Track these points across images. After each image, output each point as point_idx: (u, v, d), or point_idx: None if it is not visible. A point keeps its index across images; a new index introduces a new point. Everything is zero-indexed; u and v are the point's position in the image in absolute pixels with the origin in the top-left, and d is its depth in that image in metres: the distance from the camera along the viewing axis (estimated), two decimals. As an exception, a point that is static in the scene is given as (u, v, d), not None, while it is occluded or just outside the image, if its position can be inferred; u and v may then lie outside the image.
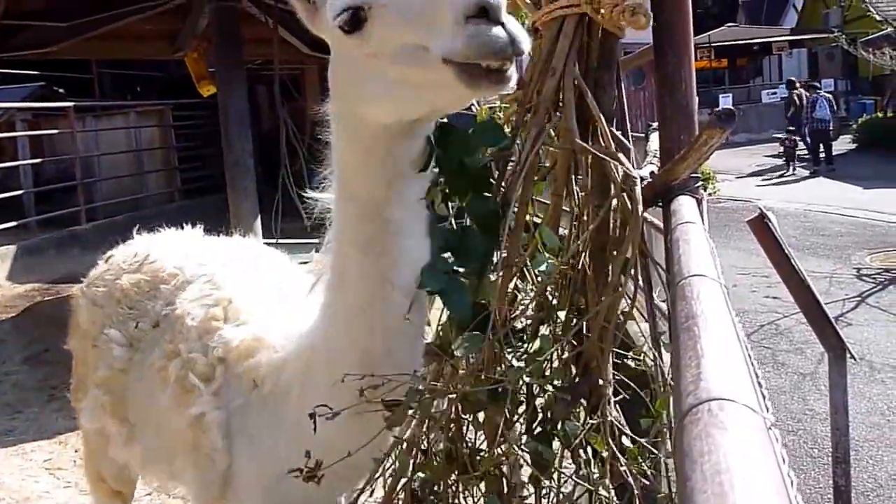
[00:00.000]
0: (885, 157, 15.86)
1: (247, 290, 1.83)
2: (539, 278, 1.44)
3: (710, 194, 12.87)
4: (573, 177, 1.51)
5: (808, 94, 16.93)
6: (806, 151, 17.14)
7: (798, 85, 18.02)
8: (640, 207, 1.28)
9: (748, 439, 0.54)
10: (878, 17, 16.67)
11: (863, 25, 18.89)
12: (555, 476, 1.39)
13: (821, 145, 16.19)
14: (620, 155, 1.35)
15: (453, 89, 1.14)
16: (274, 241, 6.31)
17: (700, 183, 1.66)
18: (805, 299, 3.05)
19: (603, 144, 1.42)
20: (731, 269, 7.70)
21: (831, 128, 16.34)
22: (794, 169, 15.72)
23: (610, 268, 1.45)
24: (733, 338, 0.77)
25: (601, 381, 1.38)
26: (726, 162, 16.12)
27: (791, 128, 16.63)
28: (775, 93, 22.07)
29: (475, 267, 1.37)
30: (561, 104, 1.48)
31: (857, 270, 7.78)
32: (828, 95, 16.93)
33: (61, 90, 12.96)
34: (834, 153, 17.45)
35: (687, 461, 0.52)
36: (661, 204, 1.67)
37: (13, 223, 8.74)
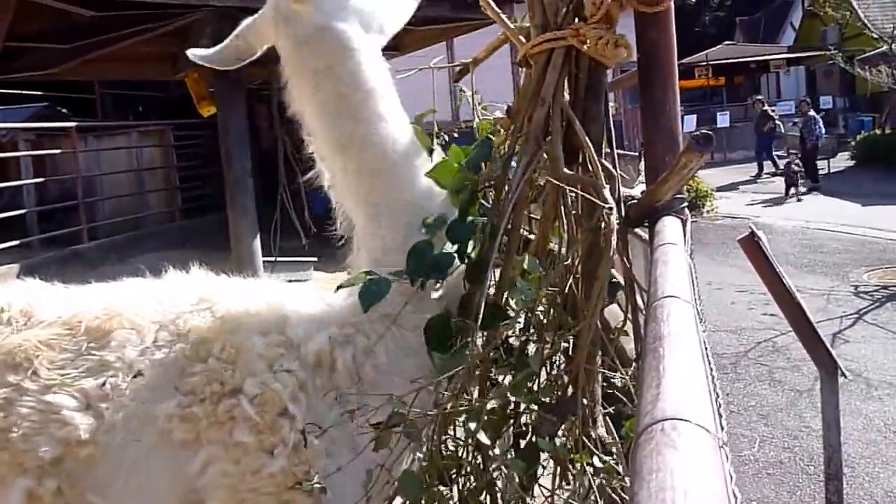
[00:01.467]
0: (884, 174, 15.89)
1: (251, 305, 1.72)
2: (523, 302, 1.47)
3: (707, 212, 12.93)
4: (561, 200, 1.56)
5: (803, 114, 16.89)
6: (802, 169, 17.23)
7: (805, 105, 17.84)
8: (613, 235, 1.31)
9: (697, 458, 0.56)
10: (874, 35, 16.79)
11: (860, 43, 19.03)
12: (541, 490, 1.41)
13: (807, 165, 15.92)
14: (602, 182, 1.40)
15: None
16: (272, 258, 6.39)
17: (685, 204, 1.66)
18: (796, 317, 3.08)
19: (591, 171, 1.47)
20: (729, 286, 7.72)
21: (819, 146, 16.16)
22: (797, 197, 14.65)
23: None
24: (697, 359, 0.78)
25: (586, 400, 1.40)
26: (726, 179, 16.19)
27: (781, 153, 16.24)
28: (773, 110, 22.17)
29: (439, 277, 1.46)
30: (550, 133, 1.53)
31: (855, 287, 7.77)
32: (817, 116, 16.84)
33: (64, 110, 13.07)
34: (832, 170, 17.55)
35: (637, 478, 0.54)
36: (647, 224, 1.70)
37: (16, 242, 8.80)
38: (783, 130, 17.57)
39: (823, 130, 16.49)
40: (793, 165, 14.71)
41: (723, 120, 21.30)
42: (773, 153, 18.32)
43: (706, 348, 0.90)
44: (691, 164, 1.37)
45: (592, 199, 1.39)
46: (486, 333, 1.46)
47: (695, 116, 20.50)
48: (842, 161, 18.27)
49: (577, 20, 1.53)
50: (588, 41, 1.47)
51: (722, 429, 0.70)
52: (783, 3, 24.38)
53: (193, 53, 1.86)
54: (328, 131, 1.72)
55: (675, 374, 0.71)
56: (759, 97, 20.49)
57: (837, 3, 16.81)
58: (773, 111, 18.82)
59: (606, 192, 1.38)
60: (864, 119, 21.36)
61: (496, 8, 1.72)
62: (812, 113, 16.85)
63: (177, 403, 1.56)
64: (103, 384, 1.58)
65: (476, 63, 1.79)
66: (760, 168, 18.30)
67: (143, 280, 1.93)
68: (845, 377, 3.26)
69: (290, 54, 1.73)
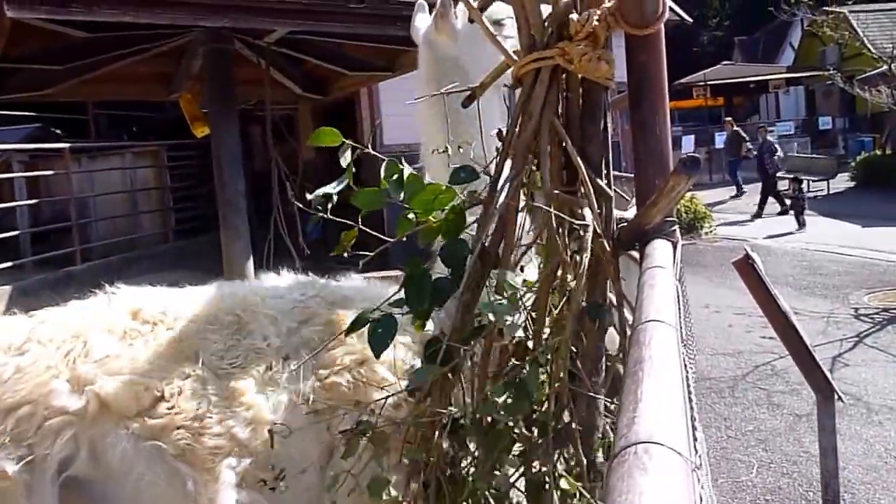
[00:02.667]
0: (884, 196, 15.90)
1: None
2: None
3: (706, 233, 12.88)
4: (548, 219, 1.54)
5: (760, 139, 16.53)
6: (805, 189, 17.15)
7: (763, 131, 17.39)
8: (587, 257, 1.33)
9: (666, 481, 0.57)
10: (874, 55, 16.84)
11: (860, 63, 19.12)
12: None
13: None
14: (583, 201, 1.37)
15: None
16: (265, 280, 6.34)
17: (675, 227, 1.65)
18: (792, 340, 3.05)
19: (582, 192, 1.50)
20: (728, 309, 7.66)
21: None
22: (803, 225, 13.26)
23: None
24: (676, 383, 0.78)
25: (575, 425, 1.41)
26: (724, 201, 16.22)
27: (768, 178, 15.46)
28: (772, 131, 22.22)
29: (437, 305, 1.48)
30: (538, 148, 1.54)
31: (856, 310, 7.74)
32: (774, 142, 16.37)
33: (58, 131, 13.12)
34: (832, 191, 17.50)
35: (608, 501, 0.56)
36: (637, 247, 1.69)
37: (9, 264, 8.76)
38: (754, 152, 17.39)
39: (781, 155, 15.95)
40: (797, 191, 13.85)
41: (721, 140, 21.34)
42: (738, 177, 18.12)
43: (687, 373, 0.89)
44: (679, 186, 1.36)
45: (565, 217, 1.39)
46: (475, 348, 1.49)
47: (693, 136, 20.57)
48: (842, 182, 18.30)
49: (561, 41, 1.53)
50: (574, 59, 1.49)
51: (695, 452, 0.69)
52: (782, 24, 24.50)
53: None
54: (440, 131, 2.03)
55: (652, 398, 0.73)
56: (729, 118, 20.51)
57: (836, 24, 16.88)
58: (745, 134, 18.69)
59: (586, 212, 1.38)
60: (865, 139, 21.44)
61: (492, 29, 1.72)
62: (769, 138, 16.55)
63: (317, 377, 1.80)
64: (268, 368, 1.83)
65: (483, 88, 1.80)
66: (738, 187, 18.28)
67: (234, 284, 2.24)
68: (842, 402, 3.22)
69: (428, 68, 2.25)
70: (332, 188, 1.59)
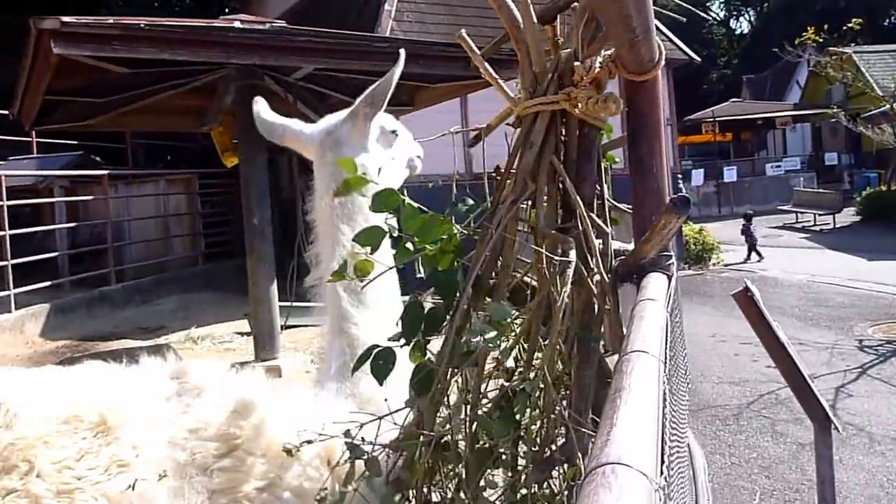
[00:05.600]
0: (889, 230, 15.95)
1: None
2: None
3: (713, 265, 13.04)
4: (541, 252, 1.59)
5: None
6: (811, 223, 17.26)
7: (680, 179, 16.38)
8: (566, 292, 1.37)
9: (627, 499, 0.61)
10: (879, 93, 17.06)
11: (865, 101, 19.36)
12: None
13: None
14: (571, 241, 1.45)
15: None
16: (288, 303, 6.57)
17: (671, 261, 1.68)
18: (791, 370, 3.13)
19: (581, 229, 1.53)
20: (734, 338, 7.75)
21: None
22: (758, 258, 13.85)
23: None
24: (651, 410, 0.83)
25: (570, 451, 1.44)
26: (732, 232, 16.28)
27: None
28: (779, 166, 22.43)
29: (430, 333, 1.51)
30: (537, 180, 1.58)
31: (860, 342, 7.75)
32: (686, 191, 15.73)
33: (98, 159, 13.55)
34: (838, 225, 17.60)
35: None
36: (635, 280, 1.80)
37: (48, 283, 9.09)
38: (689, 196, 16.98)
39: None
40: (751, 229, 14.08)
41: (730, 175, 21.58)
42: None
43: (665, 400, 0.95)
44: (670, 224, 1.42)
45: (551, 255, 1.45)
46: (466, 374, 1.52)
47: (702, 170, 20.76)
48: (847, 216, 18.35)
49: (562, 87, 1.58)
50: (580, 103, 1.51)
51: (661, 474, 0.74)
52: (789, 62, 24.88)
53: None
54: (330, 234, 2.07)
55: (626, 424, 0.76)
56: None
57: (840, 64, 17.16)
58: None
59: (572, 253, 1.45)
60: (870, 175, 21.56)
61: (494, 74, 1.78)
62: (681, 185, 15.87)
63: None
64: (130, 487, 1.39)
65: (489, 130, 1.85)
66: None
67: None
68: (839, 431, 3.30)
69: (324, 176, 2.15)
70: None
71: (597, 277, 1.53)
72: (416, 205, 1.55)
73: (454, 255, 1.54)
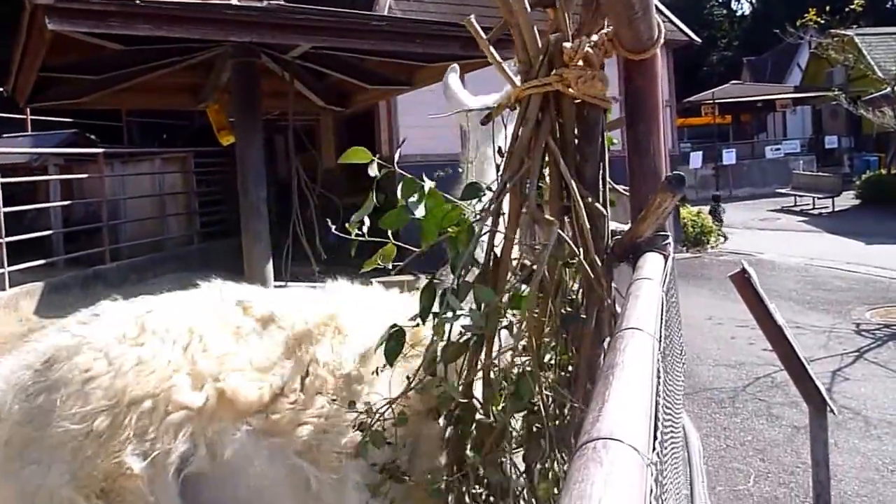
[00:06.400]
0: (888, 214, 15.91)
1: None
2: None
3: (712, 247, 13.03)
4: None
5: None
6: (810, 206, 17.27)
7: None
8: (542, 271, 1.42)
9: (618, 472, 0.61)
10: (880, 76, 16.96)
11: (866, 84, 19.27)
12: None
13: None
14: (555, 222, 1.49)
15: None
16: (284, 283, 6.56)
17: (668, 241, 1.70)
18: (787, 353, 3.13)
19: (575, 210, 1.56)
20: (731, 321, 7.76)
21: None
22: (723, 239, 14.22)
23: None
24: (644, 386, 0.82)
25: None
26: (731, 216, 16.26)
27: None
28: (779, 149, 22.37)
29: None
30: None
31: (857, 325, 7.75)
32: None
33: (93, 137, 13.47)
34: (837, 208, 17.59)
35: (564, 490, 0.61)
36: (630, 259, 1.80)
37: (42, 261, 9.07)
38: None
39: None
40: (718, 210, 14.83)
41: (729, 157, 21.51)
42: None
43: (659, 377, 0.93)
44: (665, 203, 1.43)
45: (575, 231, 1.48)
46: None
47: (701, 153, 20.69)
48: (847, 200, 18.33)
49: (554, 68, 1.59)
50: (571, 83, 1.54)
51: (653, 450, 0.73)
52: (790, 44, 24.71)
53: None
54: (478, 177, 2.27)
55: (618, 399, 0.76)
56: None
57: (842, 46, 17.03)
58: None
59: (552, 230, 1.47)
60: (870, 158, 21.51)
61: (499, 58, 1.77)
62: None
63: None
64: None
65: (500, 109, 1.86)
66: None
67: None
68: (834, 414, 3.31)
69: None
70: (364, 211, 1.71)
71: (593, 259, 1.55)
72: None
73: (467, 238, 1.58)
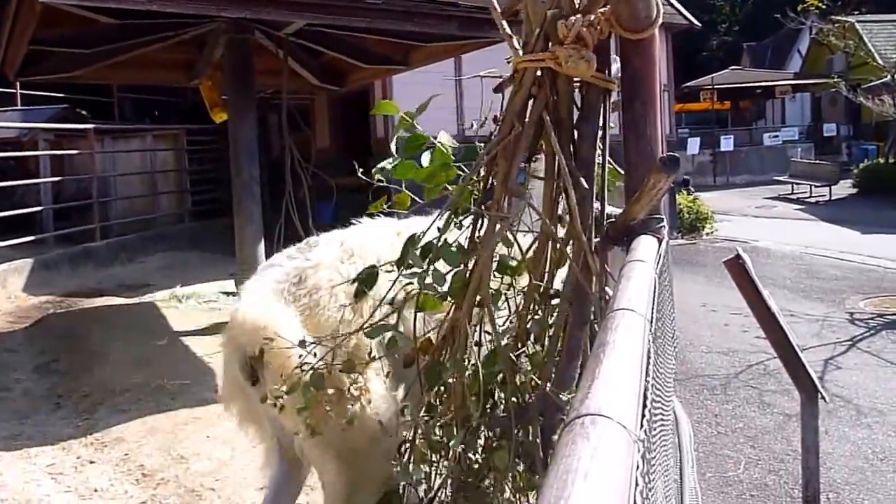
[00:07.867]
0: (885, 203, 15.89)
1: None
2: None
3: (707, 234, 13.01)
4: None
5: None
6: (807, 194, 17.22)
7: None
8: (513, 250, 1.50)
9: (605, 448, 0.61)
10: (880, 63, 16.87)
11: (866, 72, 19.17)
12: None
13: None
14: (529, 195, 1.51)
15: None
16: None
17: (662, 224, 1.70)
18: (780, 340, 3.12)
19: (561, 185, 1.58)
20: (724, 308, 7.75)
21: None
22: None
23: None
24: (634, 364, 0.83)
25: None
26: (727, 202, 16.24)
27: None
28: (777, 136, 22.30)
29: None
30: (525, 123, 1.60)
31: (851, 314, 7.74)
32: None
33: (84, 112, 13.32)
34: (834, 197, 17.58)
35: (552, 464, 0.61)
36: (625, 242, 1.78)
37: (31, 238, 8.98)
38: None
39: None
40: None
41: (727, 144, 21.44)
42: None
43: (649, 358, 0.93)
44: (659, 184, 1.43)
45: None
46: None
47: (699, 139, 20.62)
48: (844, 188, 18.29)
49: (550, 45, 1.59)
50: (562, 61, 1.54)
51: (641, 427, 0.72)
52: (791, 30, 24.54)
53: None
54: None
55: (608, 377, 0.76)
56: None
57: (842, 33, 16.92)
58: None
59: (533, 203, 1.53)
60: (868, 147, 21.46)
61: (506, 26, 1.75)
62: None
63: None
64: None
65: (509, 82, 1.90)
66: None
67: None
68: (825, 401, 3.30)
69: None
70: (388, 164, 1.84)
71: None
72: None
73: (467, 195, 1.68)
